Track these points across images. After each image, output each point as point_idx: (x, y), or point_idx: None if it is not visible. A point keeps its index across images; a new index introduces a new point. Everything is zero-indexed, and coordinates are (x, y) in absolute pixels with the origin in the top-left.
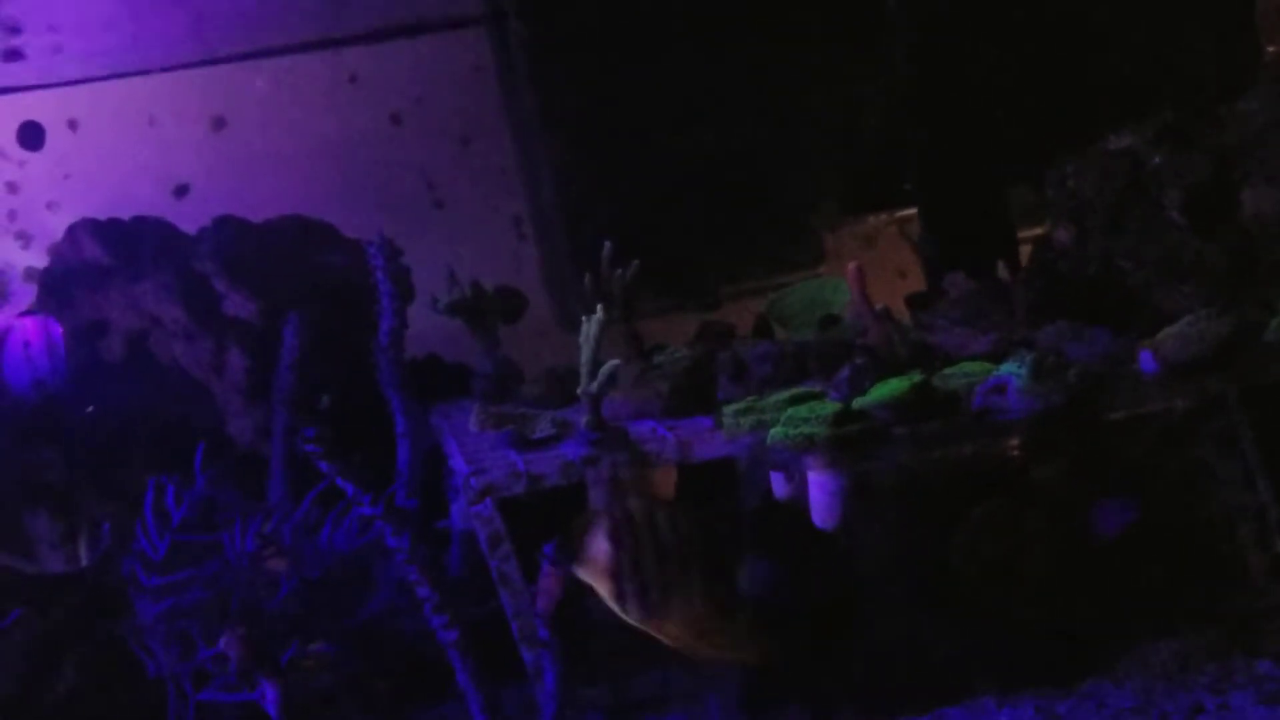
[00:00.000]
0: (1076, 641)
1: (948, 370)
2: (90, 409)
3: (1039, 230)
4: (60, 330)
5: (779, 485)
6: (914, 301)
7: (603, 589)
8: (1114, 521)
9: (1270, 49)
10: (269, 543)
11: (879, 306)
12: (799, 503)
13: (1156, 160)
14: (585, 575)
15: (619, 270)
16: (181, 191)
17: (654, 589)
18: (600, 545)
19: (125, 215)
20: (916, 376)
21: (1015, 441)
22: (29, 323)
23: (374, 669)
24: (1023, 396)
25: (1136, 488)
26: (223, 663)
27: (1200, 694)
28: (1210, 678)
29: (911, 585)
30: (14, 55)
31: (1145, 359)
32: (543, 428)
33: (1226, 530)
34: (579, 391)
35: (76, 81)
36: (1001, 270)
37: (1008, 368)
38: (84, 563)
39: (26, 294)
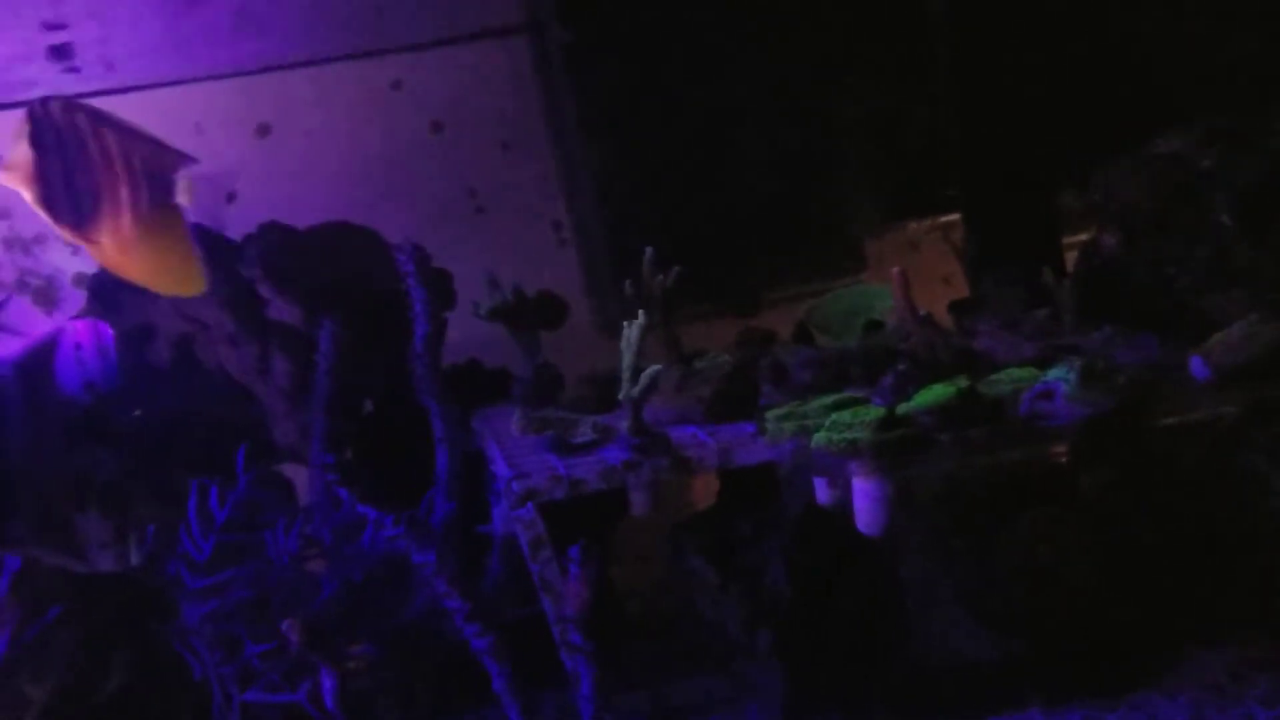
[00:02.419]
0: (1125, 652)
1: (993, 376)
2: (138, 412)
3: (1083, 237)
4: (111, 333)
5: (822, 491)
6: (958, 308)
7: (28, 195)
8: (1162, 530)
9: None
10: (311, 544)
11: (922, 312)
12: (843, 509)
13: (1205, 163)
14: (7, 181)
15: (660, 276)
16: (228, 198)
17: (85, 200)
18: (22, 149)
19: None
20: (962, 382)
21: (1063, 448)
22: (80, 326)
23: (415, 671)
24: (1071, 402)
25: (1186, 496)
26: (273, 658)
27: (1252, 706)
28: (1263, 690)
29: (956, 593)
30: (65, 62)
31: (1196, 365)
32: (583, 432)
33: (1278, 540)
34: (620, 396)
35: (125, 90)
36: (1047, 276)
37: (1055, 373)
38: (133, 563)
39: (76, 299)
